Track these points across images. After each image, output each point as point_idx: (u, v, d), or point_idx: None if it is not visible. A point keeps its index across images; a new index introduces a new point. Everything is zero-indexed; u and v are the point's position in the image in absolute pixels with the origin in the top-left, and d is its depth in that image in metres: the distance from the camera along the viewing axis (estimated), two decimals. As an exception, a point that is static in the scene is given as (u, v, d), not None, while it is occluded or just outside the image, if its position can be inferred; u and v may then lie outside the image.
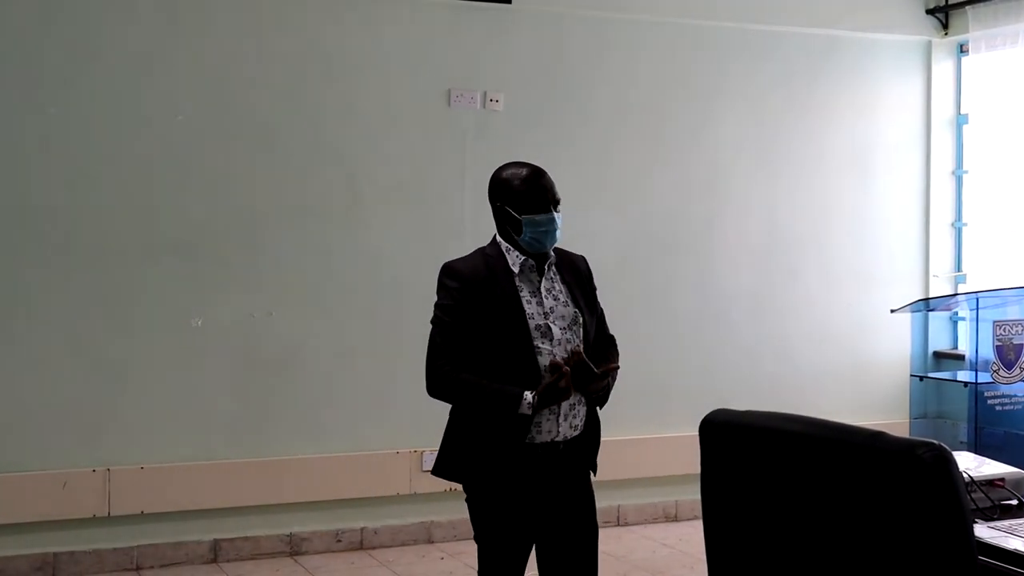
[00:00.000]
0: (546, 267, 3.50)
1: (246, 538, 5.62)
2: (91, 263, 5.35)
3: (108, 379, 5.39)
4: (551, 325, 3.42)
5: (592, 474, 3.60)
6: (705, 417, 2.46)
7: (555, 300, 3.47)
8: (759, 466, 2.32)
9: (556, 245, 3.51)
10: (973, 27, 6.59)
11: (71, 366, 5.33)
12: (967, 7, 6.63)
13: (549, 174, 3.49)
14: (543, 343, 3.39)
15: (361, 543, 5.82)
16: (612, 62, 6.26)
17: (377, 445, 5.82)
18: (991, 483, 2.99)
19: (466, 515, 5.81)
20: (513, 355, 3.38)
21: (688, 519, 6.29)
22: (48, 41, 5.28)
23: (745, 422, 2.39)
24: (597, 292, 3.64)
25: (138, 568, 5.43)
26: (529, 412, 3.32)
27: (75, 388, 5.33)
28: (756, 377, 6.47)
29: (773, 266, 6.62)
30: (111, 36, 5.38)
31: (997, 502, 2.94)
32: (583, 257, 3.65)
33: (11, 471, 5.23)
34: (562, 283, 3.52)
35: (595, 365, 3.41)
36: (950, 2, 6.80)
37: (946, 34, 6.91)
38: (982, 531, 2.67)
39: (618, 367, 3.49)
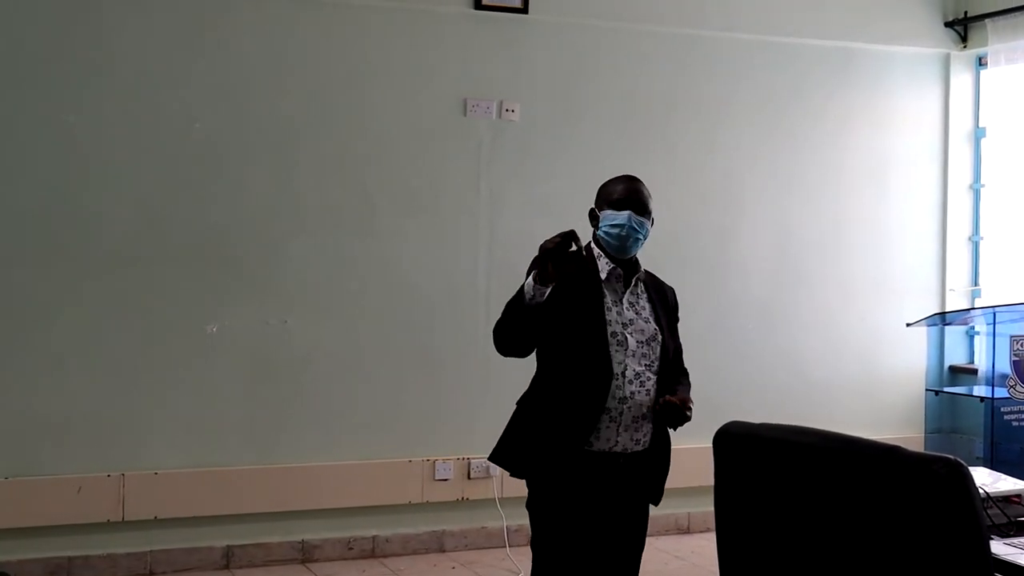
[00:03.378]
0: (634, 281, 3.51)
1: (258, 545, 5.62)
2: (107, 269, 5.37)
3: (123, 385, 5.40)
4: (627, 336, 3.42)
5: (655, 503, 3.57)
6: (719, 429, 2.46)
7: (636, 314, 3.48)
8: (773, 478, 2.31)
9: (645, 268, 3.58)
10: (992, 40, 6.57)
11: (86, 372, 5.35)
12: (986, 20, 6.60)
13: (642, 185, 3.58)
14: (617, 351, 3.39)
15: (373, 551, 5.81)
16: (628, 72, 6.25)
17: (390, 454, 5.82)
18: (1007, 499, 2.97)
19: (476, 524, 5.82)
20: (588, 357, 3.38)
21: (700, 531, 6.28)
22: (66, 49, 5.31)
23: (759, 434, 2.38)
24: (679, 325, 3.66)
25: (151, 573, 5.43)
26: (537, 285, 3.21)
27: (90, 394, 5.35)
28: (770, 390, 6.45)
29: (788, 278, 6.60)
30: (130, 44, 5.40)
31: (1013, 518, 2.93)
32: (673, 289, 3.68)
33: (26, 475, 5.25)
34: (648, 301, 3.54)
35: (669, 392, 3.42)
36: (969, 15, 6.78)
37: (965, 47, 6.89)
38: (998, 547, 2.65)
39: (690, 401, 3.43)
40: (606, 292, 3.46)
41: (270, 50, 5.63)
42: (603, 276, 3.47)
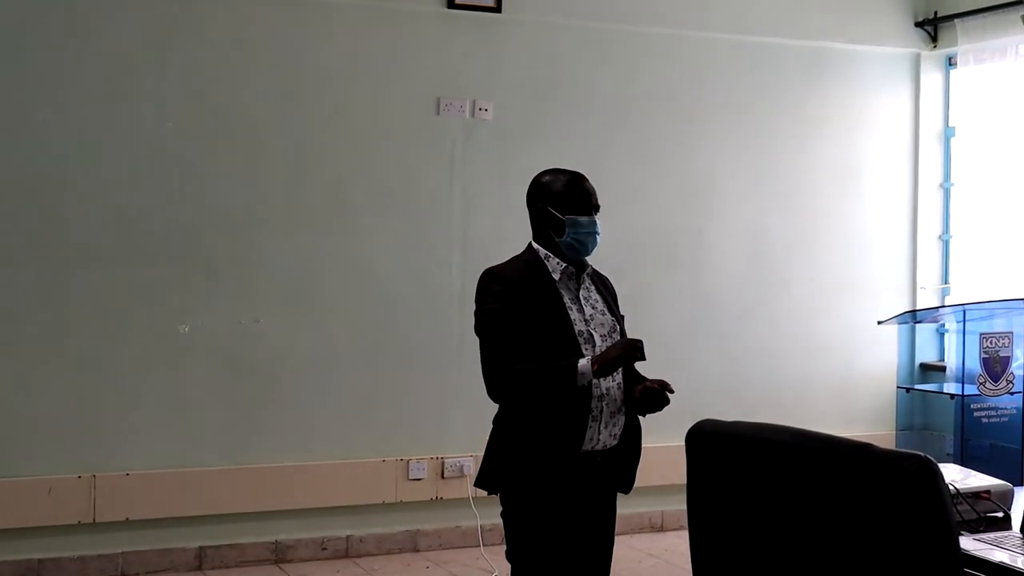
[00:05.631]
0: (584, 276, 3.51)
1: (231, 545, 5.60)
2: (79, 269, 5.34)
3: (94, 385, 5.36)
4: (592, 332, 3.42)
5: (626, 492, 3.58)
6: (692, 427, 2.46)
7: (593, 308, 3.49)
8: (746, 476, 2.32)
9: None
10: (962, 40, 6.61)
11: (57, 372, 5.31)
12: (956, 20, 6.65)
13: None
14: (586, 350, 3.38)
15: (347, 551, 5.80)
16: (602, 72, 6.26)
17: (363, 453, 5.80)
18: (977, 495, 2.99)
19: (450, 524, 5.81)
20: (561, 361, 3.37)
21: (674, 529, 6.30)
22: (38, 47, 5.27)
23: (732, 432, 2.39)
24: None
25: (123, 575, 5.40)
26: (590, 377, 3.29)
27: (61, 394, 5.31)
28: (743, 388, 6.47)
29: (761, 277, 6.63)
30: (101, 42, 5.37)
31: (983, 514, 2.95)
32: (608, 278, 3.68)
33: (-5, 477, 5.22)
34: (597, 293, 3.55)
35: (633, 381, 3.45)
36: (939, 15, 6.83)
37: (935, 47, 6.93)
38: (968, 543, 2.67)
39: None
40: (563, 292, 3.44)
41: (243, 49, 5.61)
42: (556, 277, 3.46)
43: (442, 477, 5.91)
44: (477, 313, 3.45)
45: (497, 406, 3.50)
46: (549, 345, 3.36)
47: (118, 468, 5.39)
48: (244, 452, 5.62)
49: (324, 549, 5.76)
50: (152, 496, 5.42)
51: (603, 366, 3.30)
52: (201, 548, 5.55)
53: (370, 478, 5.80)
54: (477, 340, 3.44)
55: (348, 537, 5.81)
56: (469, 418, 5.79)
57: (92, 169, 5.37)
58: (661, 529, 6.37)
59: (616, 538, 3.61)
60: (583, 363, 3.29)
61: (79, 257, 5.34)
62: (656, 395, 3.38)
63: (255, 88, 5.63)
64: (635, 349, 3.32)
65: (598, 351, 3.39)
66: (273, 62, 5.66)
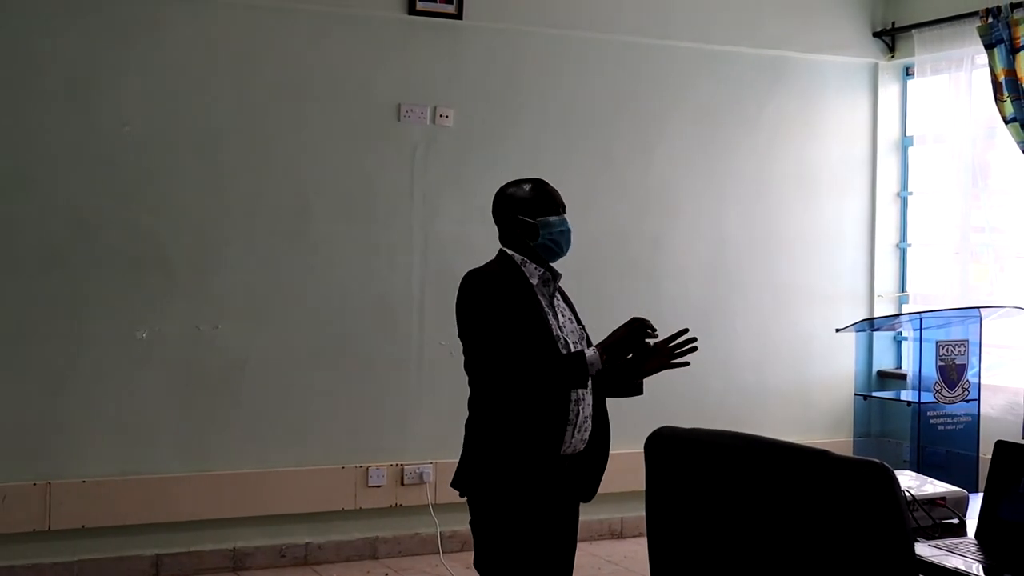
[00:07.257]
0: (555, 283, 3.53)
1: (189, 553, 5.55)
2: (35, 273, 5.28)
3: (50, 391, 5.31)
4: (567, 339, 3.45)
5: (587, 500, 3.57)
6: (652, 433, 2.47)
7: (563, 316, 3.51)
8: (704, 483, 2.33)
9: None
10: (919, 51, 6.67)
11: (12, 377, 5.25)
12: (913, 31, 6.71)
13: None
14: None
15: (305, 558, 5.77)
16: (562, 79, 6.28)
17: (322, 460, 5.78)
18: (932, 502, 3.02)
19: (410, 531, 5.78)
20: None
21: (633, 536, 6.32)
22: (-7, 48, 5.23)
23: (691, 438, 2.39)
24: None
25: (78, 583, 5.35)
26: (599, 366, 3.33)
27: (16, 400, 5.25)
28: (701, 395, 6.48)
29: (720, 285, 6.66)
30: (58, 45, 5.32)
31: (938, 521, 2.97)
32: (564, 290, 3.68)
33: (-52, 484, 5.15)
34: (563, 300, 3.57)
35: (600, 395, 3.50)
36: (897, 25, 6.89)
37: (892, 57, 7.00)
38: (923, 550, 2.69)
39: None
40: (540, 299, 3.45)
41: (203, 53, 5.57)
42: (534, 282, 3.47)
43: (402, 484, 5.90)
44: (468, 315, 3.41)
45: (466, 412, 3.49)
46: (532, 347, 3.36)
47: (74, 475, 5.34)
48: (202, 459, 5.58)
49: (283, 556, 5.73)
50: (108, 503, 5.37)
51: (608, 348, 3.33)
52: (158, 556, 5.50)
53: (329, 485, 5.78)
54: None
55: (307, 544, 5.78)
56: (429, 425, 5.79)
57: (49, 173, 5.31)
58: (621, 536, 6.38)
59: (577, 545, 3.61)
60: (590, 353, 3.31)
61: (35, 261, 5.29)
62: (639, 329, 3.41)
63: (215, 92, 5.60)
64: (643, 326, 3.36)
65: None
66: (233, 67, 5.63)
